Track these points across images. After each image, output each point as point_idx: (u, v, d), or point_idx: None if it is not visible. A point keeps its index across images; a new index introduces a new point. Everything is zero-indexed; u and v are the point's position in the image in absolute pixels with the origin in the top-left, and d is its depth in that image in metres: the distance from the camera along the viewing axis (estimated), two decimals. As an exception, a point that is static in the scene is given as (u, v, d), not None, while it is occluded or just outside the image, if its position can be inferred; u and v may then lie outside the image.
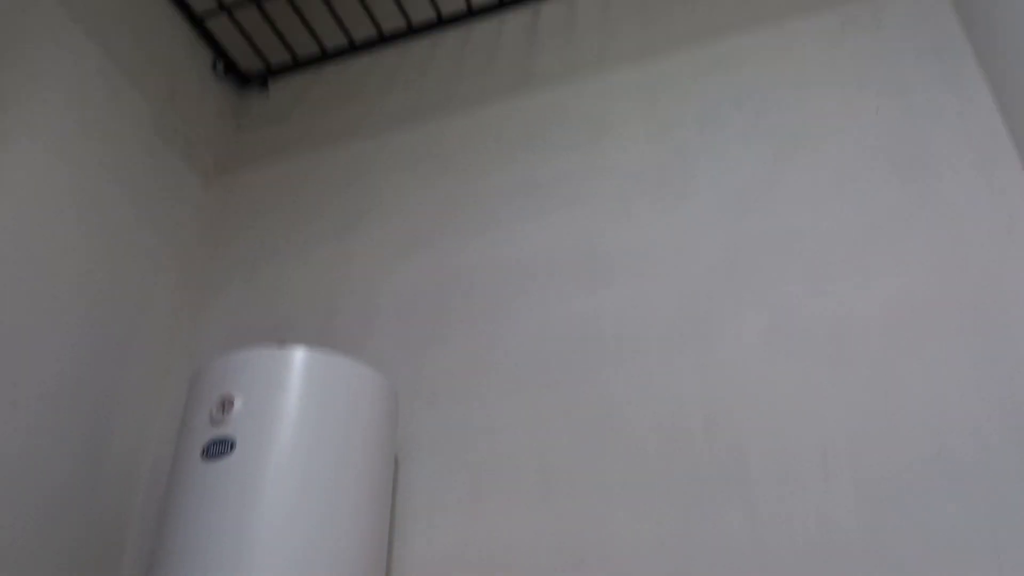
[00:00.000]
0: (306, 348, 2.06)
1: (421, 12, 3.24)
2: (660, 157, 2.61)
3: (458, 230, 2.73)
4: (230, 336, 2.79)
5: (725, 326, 2.22)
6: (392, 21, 3.28)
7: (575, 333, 2.37)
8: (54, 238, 2.48)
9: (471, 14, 3.21)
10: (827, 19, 2.64)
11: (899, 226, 2.20)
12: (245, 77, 3.38)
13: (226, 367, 2.05)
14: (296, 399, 1.97)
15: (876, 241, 2.20)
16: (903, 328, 2.05)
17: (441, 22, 3.23)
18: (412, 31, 3.26)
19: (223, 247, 3.02)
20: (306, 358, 2.04)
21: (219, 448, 1.91)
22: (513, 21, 3.16)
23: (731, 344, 2.19)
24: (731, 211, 2.41)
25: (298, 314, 2.77)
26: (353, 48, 3.31)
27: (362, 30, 3.30)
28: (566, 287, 2.47)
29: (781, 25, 2.70)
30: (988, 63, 2.29)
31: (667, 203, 2.51)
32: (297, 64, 3.36)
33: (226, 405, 1.96)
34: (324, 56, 3.33)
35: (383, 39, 3.28)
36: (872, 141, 2.38)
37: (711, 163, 2.53)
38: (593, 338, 2.34)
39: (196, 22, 3.21)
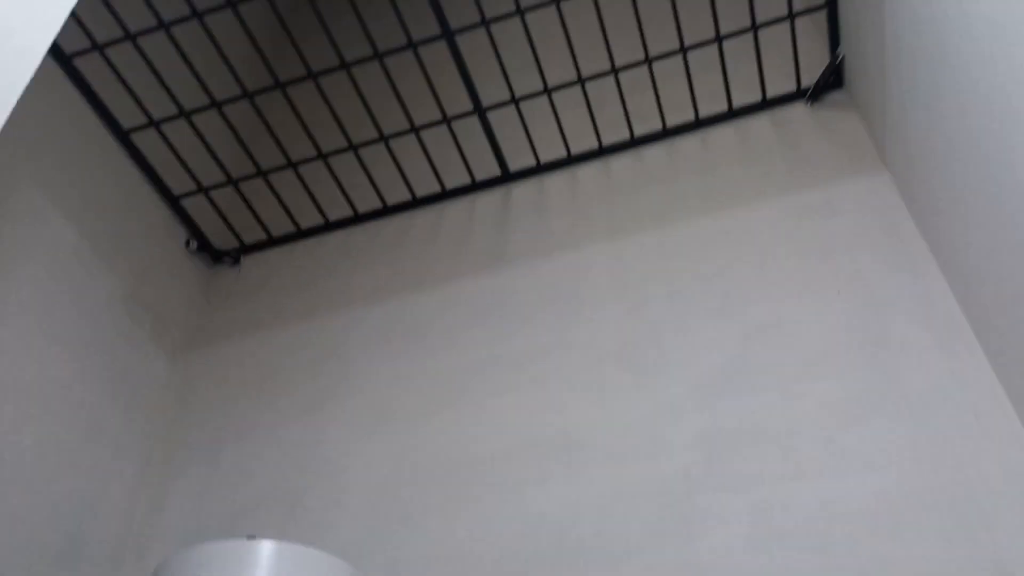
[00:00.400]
0: (274, 541, 1.97)
1: (396, 194, 3.35)
2: (631, 335, 2.65)
3: (429, 409, 2.71)
4: (192, 522, 2.68)
5: (708, 521, 2.18)
6: (367, 202, 3.37)
7: (551, 528, 2.31)
8: (13, 422, 2.41)
9: (444, 195, 3.32)
10: (785, 205, 2.78)
11: (870, 412, 2.23)
12: (218, 253, 3.42)
13: (192, 559, 1.95)
14: (264, 600, 1.87)
15: (848, 427, 2.23)
16: (884, 517, 2.04)
17: (416, 202, 3.34)
18: (387, 210, 3.35)
19: (188, 428, 2.95)
20: (275, 551, 1.95)
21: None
22: (485, 201, 3.28)
23: (716, 541, 2.14)
24: (705, 392, 2.43)
25: (264, 498, 2.67)
26: (328, 226, 3.38)
27: (337, 210, 3.38)
28: (541, 472, 2.43)
29: (743, 208, 2.83)
30: (937, 249, 2.41)
31: (640, 382, 2.53)
32: (271, 241, 3.42)
33: (189, 608, 1.84)
34: (298, 234, 3.40)
35: (358, 218, 3.37)
36: (836, 323, 2.45)
37: (682, 341, 2.58)
38: (571, 535, 2.28)
39: (172, 201, 3.27)
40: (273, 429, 2.84)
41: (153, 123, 3.03)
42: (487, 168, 3.30)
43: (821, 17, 2.98)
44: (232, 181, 3.22)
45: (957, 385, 2.20)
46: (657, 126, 3.17)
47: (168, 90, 2.93)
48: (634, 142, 3.19)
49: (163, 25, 2.79)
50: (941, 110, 2.14)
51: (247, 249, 3.45)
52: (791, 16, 2.89)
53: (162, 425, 2.96)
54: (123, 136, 3.07)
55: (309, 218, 3.40)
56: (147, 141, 3.12)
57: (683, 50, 2.96)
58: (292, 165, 3.19)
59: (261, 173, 3.21)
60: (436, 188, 3.33)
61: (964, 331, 2.29)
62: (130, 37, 2.80)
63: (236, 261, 3.44)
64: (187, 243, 3.36)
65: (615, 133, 3.20)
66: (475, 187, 3.31)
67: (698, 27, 3.07)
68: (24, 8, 1.16)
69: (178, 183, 3.25)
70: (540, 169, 3.27)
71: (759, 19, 2.90)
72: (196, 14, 2.78)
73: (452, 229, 3.23)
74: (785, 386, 2.37)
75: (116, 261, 2.97)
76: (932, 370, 2.25)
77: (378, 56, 2.94)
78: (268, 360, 3.04)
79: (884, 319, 2.40)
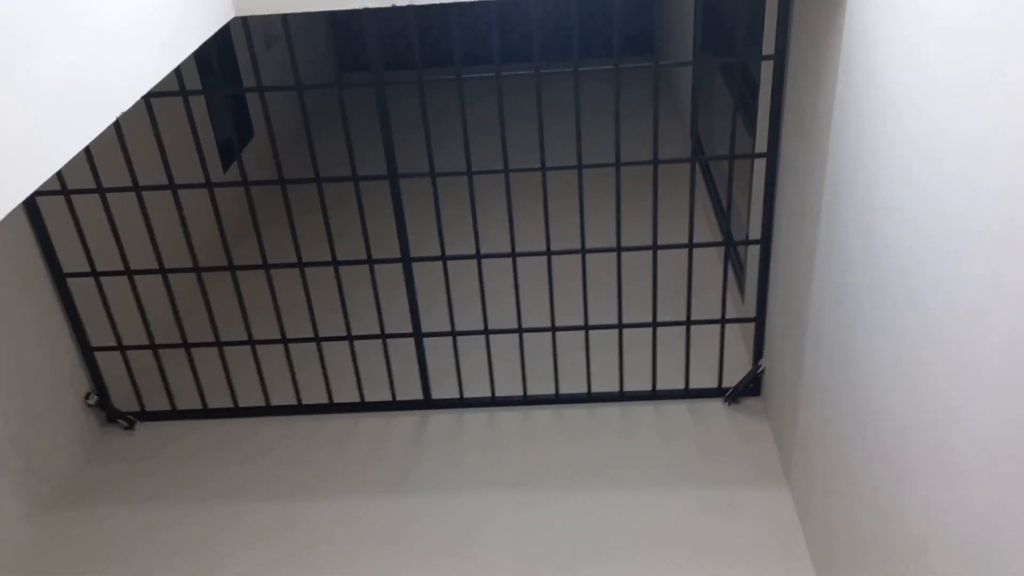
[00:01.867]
0: None
1: (314, 394, 3.32)
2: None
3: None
4: None
5: None
6: (283, 396, 3.32)
7: None
8: None
9: (363, 406, 3.30)
10: (692, 497, 2.83)
11: None
12: (114, 413, 3.28)
13: None
14: None
15: None
16: None
17: (332, 407, 3.30)
18: (301, 408, 3.30)
19: (24, 598, 2.68)
20: None
21: None
22: (403, 421, 3.26)
23: None
24: None
25: None
26: (236, 411, 3.30)
27: (250, 397, 3.32)
28: None
29: (652, 488, 2.86)
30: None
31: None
32: (173, 413, 3.31)
33: None
34: (203, 412, 3.30)
35: (269, 409, 3.30)
36: (719, 632, 2.42)
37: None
38: None
39: (86, 351, 3.18)
40: (114, 620, 2.60)
41: (94, 274, 3.00)
42: (411, 390, 3.32)
43: (751, 328, 3.19)
44: (153, 346, 3.16)
45: None
46: (583, 388, 3.26)
47: (120, 248, 2.94)
48: (558, 398, 3.26)
49: (135, 187, 2.85)
50: (845, 441, 2.25)
51: (146, 416, 3.32)
52: (723, 321, 3.09)
53: (-5, 589, 2.69)
54: (59, 278, 3.04)
55: (219, 399, 3.32)
56: (80, 287, 3.08)
57: (620, 326, 3.11)
58: (219, 344, 3.16)
59: (185, 345, 3.17)
60: (356, 398, 3.31)
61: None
62: (100, 191, 2.85)
63: (131, 426, 3.30)
64: (87, 396, 3.23)
65: (541, 387, 3.28)
66: (395, 406, 3.30)
67: (639, 308, 3.24)
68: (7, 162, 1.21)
69: (97, 335, 3.18)
70: (462, 403, 3.29)
71: (694, 316, 3.10)
72: (171, 185, 2.86)
73: (363, 442, 3.18)
74: None
75: (8, 398, 2.82)
76: None
77: (334, 263, 3.02)
78: (135, 537, 2.84)
79: (766, 639, 2.38)
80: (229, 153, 4.72)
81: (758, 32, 2.98)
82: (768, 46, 2.80)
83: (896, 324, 1.87)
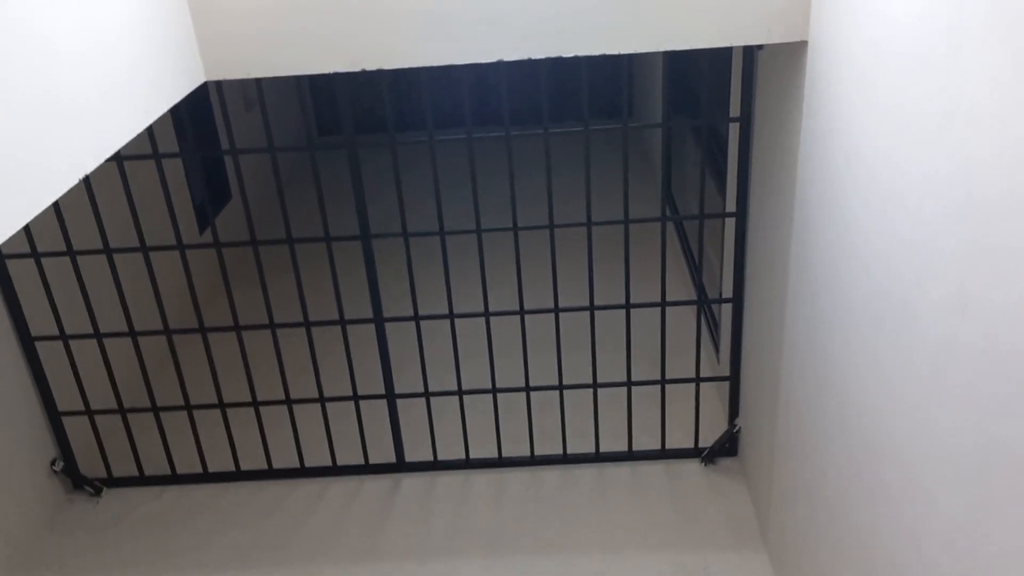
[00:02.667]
0: None
1: (285, 458, 3.26)
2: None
3: None
4: None
5: None
6: (253, 460, 3.26)
7: None
8: None
9: (334, 470, 3.24)
10: (667, 561, 2.77)
11: None
12: (81, 480, 3.21)
13: None
14: None
15: None
16: None
17: (303, 471, 3.24)
18: (271, 472, 3.24)
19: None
20: None
21: None
22: (374, 485, 3.20)
23: None
24: None
25: None
26: (205, 476, 3.24)
27: (219, 462, 3.25)
28: None
29: (626, 553, 2.81)
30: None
31: None
32: (141, 479, 3.24)
33: None
34: (172, 478, 3.24)
35: (239, 474, 3.24)
36: None
37: None
38: None
39: (53, 416, 3.12)
40: None
41: (63, 337, 2.97)
42: (384, 453, 3.27)
43: (727, 387, 3.18)
44: (122, 410, 3.11)
45: None
46: (558, 450, 3.22)
47: (90, 310, 2.91)
48: (533, 460, 3.22)
49: (106, 250, 2.84)
50: (818, 503, 2.23)
51: (113, 482, 3.25)
52: (697, 380, 3.08)
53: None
54: (27, 341, 3.00)
55: (188, 464, 3.26)
56: (48, 350, 3.04)
57: (594, 386, 3.09)
58: (188, 408, 3.12)
59: (154, 409, 3.12)
60: (328, 461, 3.25)
61: None
62: (71, 253, 2.83)
63: (98, 492, 3.22)
64: (53, 462, 3.16)
65: (516, 448, 3.24)
66: (367, 469, 3.25)
67: (615, 367, 3.22)
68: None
69: (65, 400, 3.13)
70: (436, 466, 3.24)
71: (671, 375, 3.09)
72: (143, 247, 2.85)
73: (334, 508, 3.12)
74: None
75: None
76: None
77: (306, 324, 3.00)
78: (93, 612, 2.75)
79: None
80: (207, 214, 4.73)
81: (725, 95, 3.04)
82: (735, 108, 2.85)
83: (858, 385, 1.86)
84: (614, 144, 3.31)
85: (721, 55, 3.09)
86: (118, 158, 2.69)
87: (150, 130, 2.64)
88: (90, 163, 1.64)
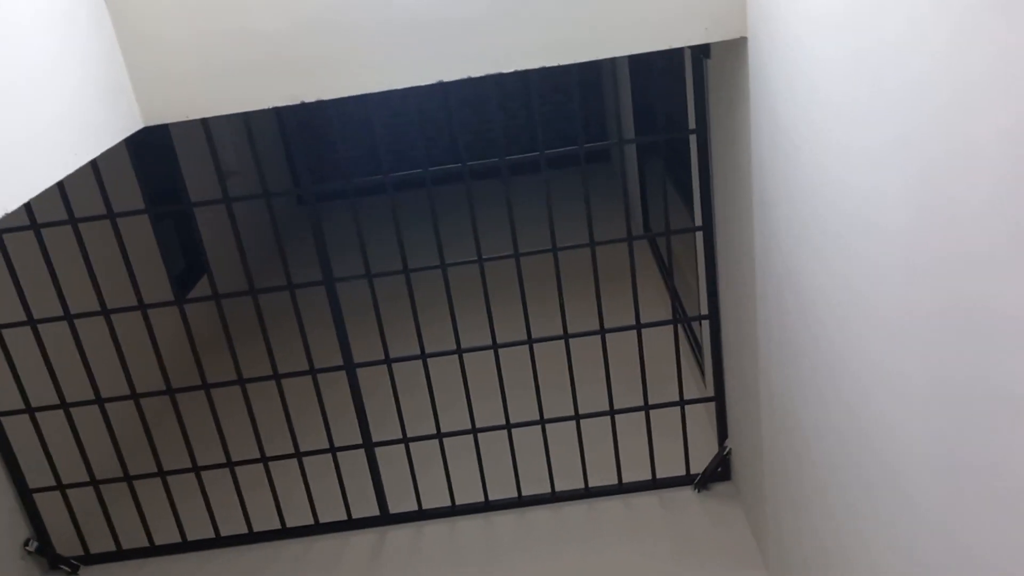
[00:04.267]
0: None
1: (265, 520, 3.14)
2: None
3: None
4: None
5: None
6: (233, 525, 3.15)
7: None
8: None
9: (317, 528, 3.12)
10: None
11: None
12: (56, 559, 3.09)
13: None
14: None
15: None
16: None
17: (285, 531, 3.13)
18: (252, 536, 3.12)
19: None
20: None
21: None
22: (359, 540, 3.08)
23: None
24: None
25: None
26: (185, 545, 3.12)
27: (198, 529, 3.14)
28: None
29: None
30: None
31: None
32: (119, 553, 3.12)
33: None
34: (151, 549, 3.12)
35: (218, 540, 3.12)
36: None
37: None
38: None
39: (23, 493, 3.02)
40: None
41: (29, 411, 2.89)
42: (367, 505, 3.15)
43: (714, 408, 3.08)
44: (94, 482, 3.01)
45: None
46: (546, 488, 3.10)
47: (55, 379, 2.84)
48: (520, 501, 3.10)
49: (67, 317, 2.79)
50: (811, 519, 2.11)
51: (91, 559, 3.13)
52: (681, 403, 2.99)
53: None
54: (-9, 417, 2.92)
55: (166, 534, 3.14)
56: (15, 425, 2.97)
57: (576, 417, 3.00)
58: (162, 474, 3.02)
59: (127, 478, 3.02)
60: (309, 519, 3.13)
61: None
62: (31, 323, 2.78)
63: (75, 571, 3.10)
64: (26, 542, 3.05)
65: (502, 490, 3.12)
66: (351, 524, 3.13)
67: (597, 397, 3.13)
68: None
69: (35, 475, 3.03)
70: (421, 515, 3.12)
71: (656, 399, 2.99)
72: (104, 310, 2.79)
73: (316, 569, 2.99)
74: None
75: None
76: None
77: (276, 376, 2.93)
78: None
79: None
80: (188, 283, 4.70)
81: (684, 109, 3.02)
82: (692, 122, 2.83)
83: (833, 390, 1.78)
84: (594, 180, 3.27)
85: (677, 72, 3.09)
86: (74, 221, 2.66)
87: (105, 195, 2.62)
88: (10, 204, 1.60)
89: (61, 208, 2.67)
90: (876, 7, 1.35)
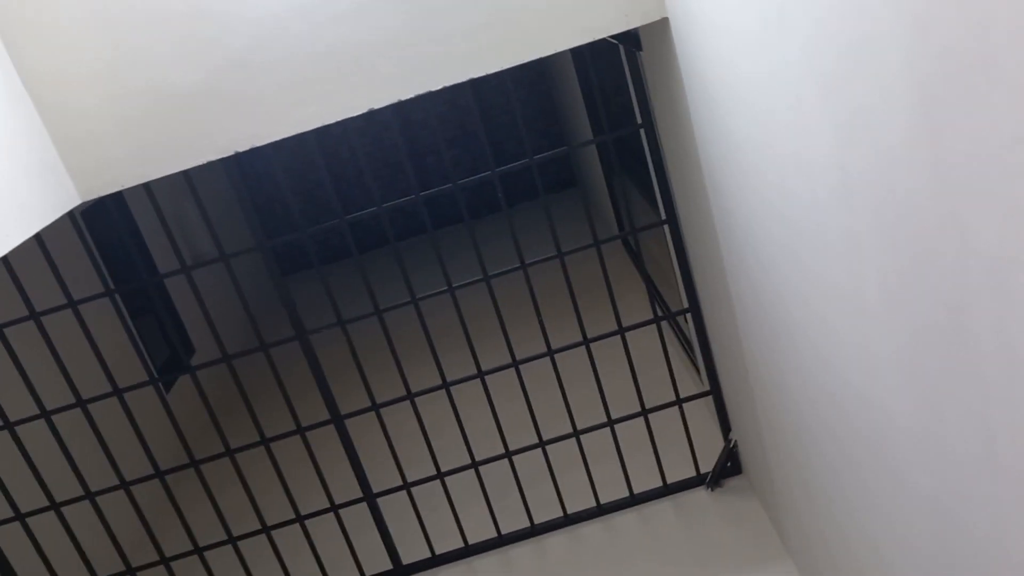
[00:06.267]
0: None
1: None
2: None
3: None
4: None
5: None
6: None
7: None
8: None
9: (330, 593, 3.02)
10: None
11: None
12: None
13: None
14: None
15: None
16: None
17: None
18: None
19: None
20: None
21: None
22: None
23: None
24: None
25: None
26: (197, 631, 3.02)
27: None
28: None
29: None
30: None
31: None
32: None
33: None
34: (164, 641, 3.01)
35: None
36: None
37: None
38: None
39: (25, 604, 2.93)
40: None
41: (19, 516, 2.81)
42: (379, 561, 3.05)
43: (712, 402, 3.00)
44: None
45: None
46: (558, 512, 3.01)
47: (40, 480, 2.77)
48: (534, 530, 3.00)
49: (44, 415, 2.73)
50: (826, 499, 2.03)
51: (103, 660, 3.02)
52: (678, 401, 2.91)
53: None
54: (-20, 529, 2.84)
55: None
56: (5, 534, 2.88)
57: (576, 434, 2.92)
58: (165, 561, 2.93)
59: (130, 571, 2.93)
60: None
61: None
62: (8, 426, 2.72)
63: (88, 675, 2.99)
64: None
65: (514, 521, 3.03)
66: (358, 592, 3.02)
67: (593, 411, 3.05)
68: None
69: (34, 582, 2.94)
70: (435, 561, 3.02)
71: (653, 403, 2.92)
72: (80, 401, 2.74)
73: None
74: None
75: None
76: None
77: (264, 441, 2.85)
78: None
79: None
80: (175, 369, 4.64)
81: (631, 107, 3.01)
82: (638, 118, 2.81)
83: (810, 373, 1.73)
84: (564, 206, 3.22)
85: (618, 75, 3.08)
86: (37, 315, 2.62)
87: (61, 285, 2.58)
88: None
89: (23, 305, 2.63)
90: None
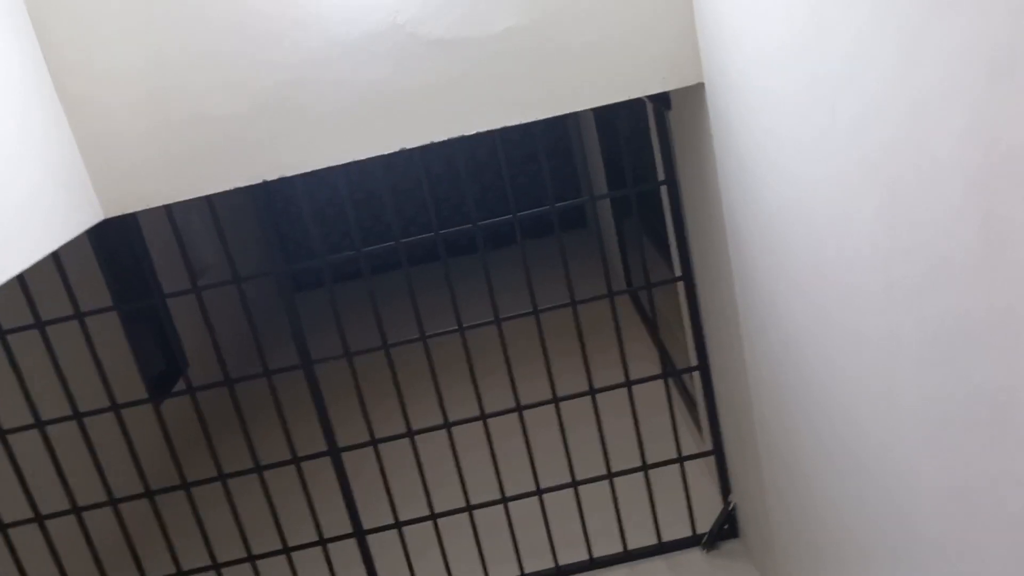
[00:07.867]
0: None
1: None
2: None
3: None
4: None
5: None
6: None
7: None
8: None
9: (312, 628, 2.96)
10: None
11: None
12: None
13: None
14: None
15: None
16: None
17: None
18: (244, 642, 2.95)
19: None
20: None
21: None
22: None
23: None
24: None
25: None
26: (172, 658, 2.94)
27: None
28: None
29: None
30: None
31: None
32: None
33: None
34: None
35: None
36: None
37: None
38: None
39: (-1, 617, 2.86)
40: None
41: (3, 527, 2.76)
42: (364, 599, 3.00)
43: (713, 462, 2.98)
44: (72, 596, 2.85)
45: None
46: (549, 563, 2.97)
47: (27, 491, 2.72)
48: (525, 580, 2.96)
49: (38, 424, 2.68)
50: (827, 564, 2.01)
51: None
52: (680, 459, 2.89)
53: None
54: (-39, 537, 2.78)
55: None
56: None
57: (574, 484, 2.89)
58: (144, 582, 2.87)
59: (108, 589, 2.86)
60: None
61: None
62: (11, 430, 2.68)
63: None
64: (3, 669, 2.87)
65: (503, 569, 2.98)
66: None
67: (594, 461, 3.02)
68: None
69: (10, 595, 2.87)
70: (422, 604, 2.97)
71: (654, 459, 2.89)
72: (76, 414, 2.70)
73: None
74: None
75: None
76: None
77: (258, 469, 2.81)
78: None
79: None
80: (169, 384, 4.59)
81: (653, 163, 3.02)
82: (661, 175, 2.82)
83: (828, 431, 1.72)
84: (573, 246, 3.24)
85: (643, 128, 3.10)
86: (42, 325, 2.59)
87: (72, 295, 2.55)
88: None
89: (27, 312, 2.60)
90: (817, 36, 1.35)
